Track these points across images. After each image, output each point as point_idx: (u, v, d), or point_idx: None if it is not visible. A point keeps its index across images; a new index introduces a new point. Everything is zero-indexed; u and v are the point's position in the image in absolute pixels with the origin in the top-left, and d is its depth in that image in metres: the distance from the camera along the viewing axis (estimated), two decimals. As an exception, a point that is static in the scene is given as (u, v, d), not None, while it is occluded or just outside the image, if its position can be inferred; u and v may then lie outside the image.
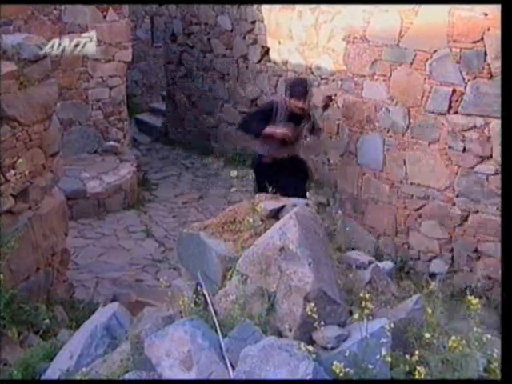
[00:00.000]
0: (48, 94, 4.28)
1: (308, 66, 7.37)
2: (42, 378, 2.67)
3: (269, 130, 5.18)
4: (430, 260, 5.42)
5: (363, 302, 1.99)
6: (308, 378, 1.81)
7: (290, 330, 2.10)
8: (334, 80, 6.94)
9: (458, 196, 5.07)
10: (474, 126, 4.81)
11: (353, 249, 3.38)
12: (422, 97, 5.14)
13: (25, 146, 4.09)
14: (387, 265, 2.88)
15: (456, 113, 4.92)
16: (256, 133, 5.33)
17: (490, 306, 4.19)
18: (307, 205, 2.91)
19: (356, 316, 2.03)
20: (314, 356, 1.90)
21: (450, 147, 5.04)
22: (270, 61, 8.09)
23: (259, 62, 8.31)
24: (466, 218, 5.06)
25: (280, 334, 2.12)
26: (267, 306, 2.17)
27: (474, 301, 2.04)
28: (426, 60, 5.04)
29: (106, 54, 7.70)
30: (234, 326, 2.13)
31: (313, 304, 1.99)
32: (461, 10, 4.71)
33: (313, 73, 7.31)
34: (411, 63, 5.16)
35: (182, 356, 2.04)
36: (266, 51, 8.17)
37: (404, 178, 5.45)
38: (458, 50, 4.79)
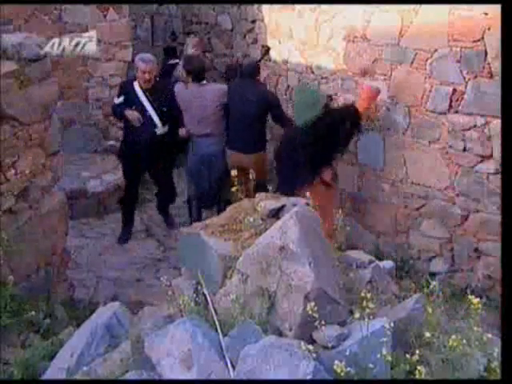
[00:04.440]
0: (48, 93, 4.28)
1: (308, 66, 7.36)
2: (43, 377, 2.67)
3: None
4: (430, 259, 5.42)
5: (364, 302, 1.98)
6: (308, 377, 1.81)
7: (291, 330, 2.10)
8: (334, 79, 6.94)
9: (458, 195, 5.06)
10: (475, 126, 4.81)
11: (353, 248, 3.39)
12: (423, 96, 5.14)
13: (25, 146, 4.09)
14: (387, 264, 2.88)
15: (456, 112, 4.92)
16: None
17: (491, 305, 4.19)
18: (307, 204, 2.91)
19: (357, 315, 2.03)
20: (314, 355, 1.90)
21: (450, 146, 5.04)
22: (270, 60, 8.09)
23: (259, 61, 8.30)
24: (466, 218, 5.05)
25: (280, 334, 2.12)
26: (267, 306, 2.17)
27: (475, 300, 2.04)
28: (427, 59, 5.03)
29: (107, 53, 7.69)
30: (235, 325, 2.13)
31: (313, 303, 1.99)
32: (461, 10, 4.71)
33: (313, 72, 7.31)
34: (411, 62, 5.16)
35: (182, 355, 2.04)
36: (267, 50, 8.16)
37: (404, 178, 5.45)
38: (459, 50, 4.78)
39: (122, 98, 6.14)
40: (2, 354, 3.31)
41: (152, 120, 6.06)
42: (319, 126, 5.04)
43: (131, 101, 6.08)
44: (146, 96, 6.06)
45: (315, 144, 5.01)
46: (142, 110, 6.03)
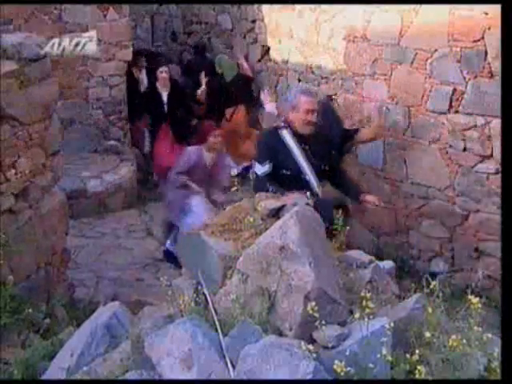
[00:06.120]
0: (48, 93, 4.28)
1: (308, 66, 7.36)
2: (43, 377, 2.67)
3: None
4: (430, 259, 5.42)
5: (364, 302, 1.98)
6: (308, 377, 1.81)
7: (291, 329, 2.10)
8: (334, 79, 6.94)
9: (458, 195, 5.06)
10: (475, 125, 4.81)
11: (353, 248, 3.38)
12: (423, 96, 5.14)
13: (25, 145, 4.09)
14: (387, 264, 2.88)
15: (456, 112, 4.92)
16: None
17: (491, 305, 4.19)
18: (308, 204, 2.91)
19: (357, 315, 2.03)
20: (314, 355, 1.90)
21: (450, 146, 5.04)
22: (270, 60, 8.09)
23: (259, 61, 8.31)
24: (466, 218, 5.06)
25: (280, 333, 2.12)
26: (267, 305, 2.17)
27: (475, 300, 2.04)
28: (427, 59, 5.04)
29: (107, 53, 7.70)
30: (235, 325, 2.13)
31: (313, 303, 1.98)
32: (461, 10, 4.71)
33: (313, 72, 7.30)
34: (411, 62, 5.16)
35: (182, 355, 2.04)
36: (267, 50, 8.17)
37: (404, 178, 5.45)
38: (459, 49, 4.79)
39: (267, 167, 3.98)
40: (2, 353, 3.31)
41: (309, 187, 4.07)
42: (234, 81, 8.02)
43: (282, 161, 4.03)
44: (303, 149, 4.09)
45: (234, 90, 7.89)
46: (298, 173, 4.07)
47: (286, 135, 4.07)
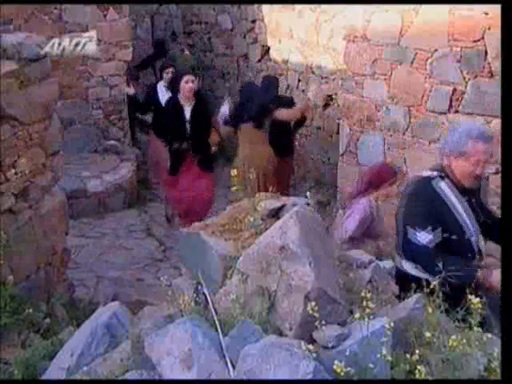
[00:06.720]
0: (48, 93, 4.28)
1: (308, 65, 7.37)
2: (43, 377, 2.67)
3: None
4: (430, 259, 5.40)
5: (364, 302, 1.98)
6: (308, 377, 1.81)
7: (291, 329, 2.10)
8: (334, 79, 6.95)
9: (458, 195, 5.06)
10: (475, 126, 4.81)
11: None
12: (423, 96, 5.14)
13: (25, 145, 4.09)
14: (388, 264, 2.87)
15: (457, 112, 4.93)
16: None
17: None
18: (308, 204, 2.90)
19: (357, 315, 2.03)
20: (314, 355, 1.90)
21: (450, 146, 5.03)
22: (270, 60, 8.10)
23: (259, 61, 8.32)
24: (466, 218, 5.05)
25: (280, 333, 2.12)
26: (267, 305, 2.17)
27: (475, 300, 2.04)
28: (427, 59, 5.04)
29: (107, 53, 7.70)
30: (235, 324, 2.13)
31: (313, 303, 1.99)
32: (461, 10, 4.71)
33: (313, 72, 7.31)
34: (412, 62, 5.17)
35: (182, 355, 2.04)
36: (267, 50, 8.18)
37: (404, 177, 5.44)
38: (459, 49, 4.79)
39: (432, 233, 3.02)
40: (2, 353, 3.31)
41: (472, 247, 3.24)
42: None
43: (443, 222, 3.08)
44: (463, 202, 3.19)
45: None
46: (463, 235, 3.17)
47: (445, 188, 3.16)
